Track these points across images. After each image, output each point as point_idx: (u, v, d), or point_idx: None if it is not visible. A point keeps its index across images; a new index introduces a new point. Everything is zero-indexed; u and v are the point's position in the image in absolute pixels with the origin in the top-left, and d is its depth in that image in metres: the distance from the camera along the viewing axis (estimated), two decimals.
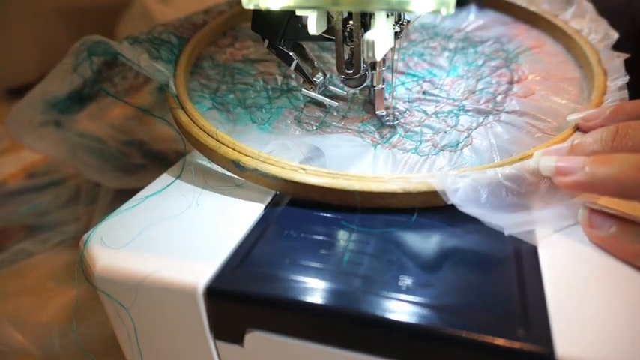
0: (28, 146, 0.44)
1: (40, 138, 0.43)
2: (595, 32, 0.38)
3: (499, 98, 0.35)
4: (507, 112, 0.33)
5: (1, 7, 0.80)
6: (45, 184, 0.57)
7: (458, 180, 0.26)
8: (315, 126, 0.34)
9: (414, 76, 0.38)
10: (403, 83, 0.37)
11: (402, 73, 0.39)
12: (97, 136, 0.48)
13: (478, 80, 0.37)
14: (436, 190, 0.26)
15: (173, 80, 0.35)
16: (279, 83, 0.38)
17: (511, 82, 0.36)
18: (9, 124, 0.40)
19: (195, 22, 0.42)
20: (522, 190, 0.26)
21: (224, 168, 0.31)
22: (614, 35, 0.36)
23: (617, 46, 0.35)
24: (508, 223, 0.25)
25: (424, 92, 0.36)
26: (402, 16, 0.31)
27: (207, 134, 0.31)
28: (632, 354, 0.19)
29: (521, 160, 0.27)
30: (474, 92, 0.36)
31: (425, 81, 0.37)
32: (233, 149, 0.30)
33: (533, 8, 0.43)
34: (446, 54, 0.41)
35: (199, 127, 0.31)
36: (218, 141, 0.30)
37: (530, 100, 0.34)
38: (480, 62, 0.39)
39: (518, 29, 0.44)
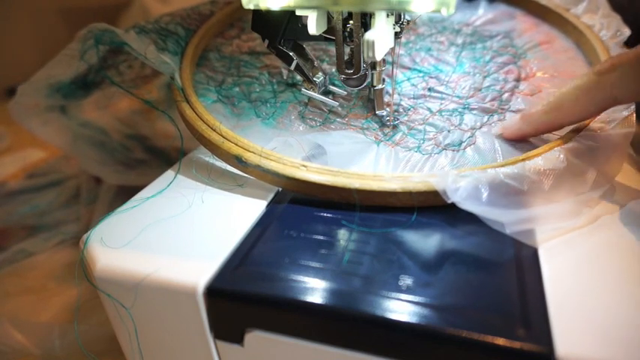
0: (31, 131, 0.43)
1: (44, 123, 0.43)
2: (607, 28, 0.37)
3: (505, 96, 0.34)
4: (513, 111, 0.33)
5: (1, 7, 0.80)
6: (45, 184, 0.57)
7: (458, 179, 0.26)
8: (319, 122, 0.34)
9: (420, 71, 0.38)
10: (409, 79, 0.37)
11: (408, 68, 0.38)
12: (100, 127, 0.48)
13: (485, 77, 0.37)
14: (436, 190, 0.26)
15: (179, 73, 0.35)
16: (285, 77, 0.38)
17: (518, 80, 0.36)
18: (13, 106, 0.39)
19: (202, 12, 0.42)
20: (524, 188, 0.26)
21: (227, 163, 0.31)
22: (626, 32, 0.35)
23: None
24: (509, 220, 0.24)
25: (429, 89, 0.36)
26: (402, 16, 0.31)
27: (211, 129, 0.31)
28: (632, 354, 0.19)
29: (523, 160, 0.27)
30: (480, 90, 0.35)
31: (431, 77, 0.37)
32: (236, 144, 0.30)
33: (544, 1, 0.43)
34: (453, 49, 0.40)
35: (203, 121, 0.31)
36: (221, 136, 0.30)
37: (537, 99, 0.34)
38: (487, 58, 0.39)
39: (528, 23, 0.43)
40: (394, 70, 0.36)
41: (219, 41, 0.42)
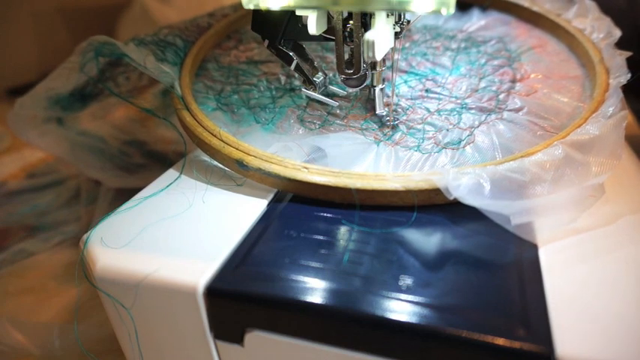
0: (29, 142, 0.44)
1: (42, 134, 0.43)
2: (598, 31, 0.38)
3: (502, 96, 0.35)
4: (510, 110, 0.33)
5: (1, 7, 0.80)
6: (45, 184, 0.57)
7: (459, 176, 0.26)
8: (318, 124, 0.34)
9: (417, 74, 0.38)
10: (406, 82, 0.37)
11: (405, 72, 0.39)
12: (98, 135, 0.49)
13: (481, 79, 0.37)
14: (437, 188, 0.26)
15: (178, 82, 0.36)
16: (283, 83, 0.38)
17: (514, 81, 0.36)
18: (11, 118, 0.40)
19: (200, 24, 0.43)
20: (526, 179, 0.26)
21: (228, 167, 0.31)
22: (617, 33, 0.36)
23: (619, 48, 0.35)
24: (513, 211, 0.25)
25: (427, 90, 0.36)
26: (402, 16, 0.31)
27: (212, 134, 0.31)
28: (632, 354, 0.19)
29: (522, 157, 0.27)
30: (477, 90, 0.36)
31: (427, 79, 0.37)
32: (237, 149, 0.30)
33: (535, 8, 0.43)
34: (448, 53, 0.41)
35: (204, 128, 0.32)
36: (222, 141, 0.31)
37: (533, 99, 0.34)
38: (482, 61, 0.39)
39: (520, 29, 0.44)
40: (394, 69, 0.36)
41: (218, 52, 0.42)
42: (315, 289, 0.22)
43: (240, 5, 0.45)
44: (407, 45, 0.42)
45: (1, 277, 0.43)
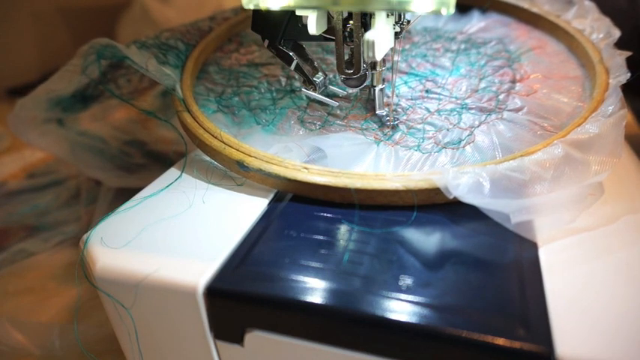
0: (29, 142, 0.44)
1: (42, 135, 0.44)
2: (597, 31, 0.38)
3: (502, 97, 0.35)
4: (510, 110, 0.33)
5: (1, 7, 0.80)
6: (45, 184, 0.57)
7: (459, 175, 0.26)
8: (318, 125, 0.34)
9: (417, 75, 0.38)
10: (406, 82, 0.38)
11: (405, 73, 0.39)
12: (98, 135, 0.49)
13: (481, 79, 0.37)
14: (438, 187, 0.26)
15: (180, 84, 0.36)
16: (283, 85, 0.38)
17: (513, 81, 0.36)
18: (11, 119, 0.40)
19: (201, 28, 0.43)
20: (526, 178, 0.26)
21: (229, 168, 0.31)
22: (616, 33, 0.36)
23: (620, 48, 0.35)
24: (514, 209, 0.25)
25: (427, 91, 0.36)
26: (402, 16, 0.31)
27: (213, 135, 0.31)
28: (632, 354, 0.19)
29: (522, 156, 0.27)
30: (477, 91, 0.36)
31: (427, 80, 0.37)
32: (237, 150, 0.30)
33: (535, 9, 0.44)
34: (448, 55, 0.41)
35: (205, 129, 0.32)
36: (223, 142, 0.31)
37: (533, 99, 0.34)
38: (482, 62, 0.39)
39: (520, 30, 0.44)
40: (393, 69, 0.36)
41: (219, 55, 0.43)
42: (315, 289, 0.22)
43: (241, 9, 0.45)
44: (407, 47, 0.43)
45: (1, 277, 0.43)
